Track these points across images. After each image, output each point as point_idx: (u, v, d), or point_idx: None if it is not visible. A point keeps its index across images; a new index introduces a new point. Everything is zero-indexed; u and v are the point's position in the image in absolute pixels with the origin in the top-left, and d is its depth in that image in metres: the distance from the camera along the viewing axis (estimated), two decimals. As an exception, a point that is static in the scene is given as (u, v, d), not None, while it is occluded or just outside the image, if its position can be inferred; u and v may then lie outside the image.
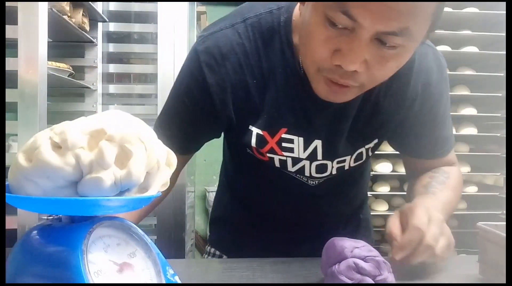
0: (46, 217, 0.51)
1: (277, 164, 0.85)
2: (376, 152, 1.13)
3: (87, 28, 1.80)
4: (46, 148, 0.42)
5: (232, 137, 0.89)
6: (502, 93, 2.13)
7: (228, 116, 0.81)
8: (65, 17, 1.55)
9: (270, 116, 0.80)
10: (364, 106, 0.81)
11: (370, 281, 0.62)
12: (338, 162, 0.85)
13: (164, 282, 0.49)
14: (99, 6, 1.91)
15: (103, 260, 0.44)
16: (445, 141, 0.92)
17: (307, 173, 0.86)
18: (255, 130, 0.81)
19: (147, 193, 0.47)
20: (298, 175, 0.87)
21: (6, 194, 0.44)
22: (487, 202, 2.24)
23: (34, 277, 0.43)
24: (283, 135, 0.81)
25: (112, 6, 2.05)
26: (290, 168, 0.85)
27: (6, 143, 1.49)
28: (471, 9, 2.17)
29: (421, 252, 0.68)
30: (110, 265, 0.45)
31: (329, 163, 0.85)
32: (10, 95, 1.20)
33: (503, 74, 2.10)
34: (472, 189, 2.23)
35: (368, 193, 2.15)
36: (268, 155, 0.83)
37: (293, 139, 0.81)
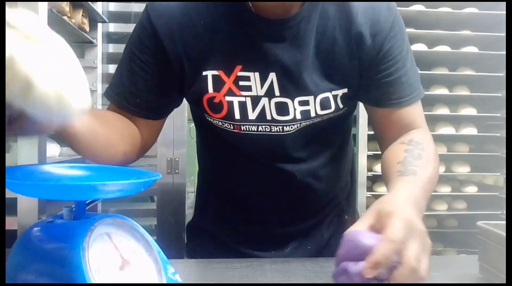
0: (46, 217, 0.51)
1: (236, 114, 0.82)
2: (375, 152, 1.10)
3: (87, 28, 1.80)
4: None
5: (190, 99, 0.88)
6: (502, 93, 2.14)
7: (179, 60, 0.81)
8: (65, 17, 1.55)
9: (224, 55, 0.80)
10: (320, 41, 0.81)
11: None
12: (300, 104, 0.82)
13: (164, 280, 0.49)
14: (99, 7, 1.91)
15: (104, 257, 0.44)
16: (406, 86, 0.85)
17: (268, 116, 0.83)
18: (210, 73, 0.81)
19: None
20: (260, 128, 0.84)
21: (6, 180, 0.44)
22: (487, 202, 2.24)
23: (35, 274, 0.43)
24: (239, 73, 0.81)
25: (112, 6, 2.05)
26: (250, 114, 0.82)
27: (6, 144, 1.49)
28: (471, 9, 2.17)
29: (403, 275, 0.57)
30: (111, 262, 0.45)
31: (289, 101, 0.82)
32: (10, 96, 1.20)
33: (503, 74, 2.10)
34: (472, 189, 2.23)
35: (368, 193, 2.15)
36: (227, 98, 0.81)
37: (249, 76, 0.81)
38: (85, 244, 0.42)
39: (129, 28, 2.10)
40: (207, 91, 0.82)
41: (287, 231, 0.96)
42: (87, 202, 0.49)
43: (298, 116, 0.83)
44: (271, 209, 0.95)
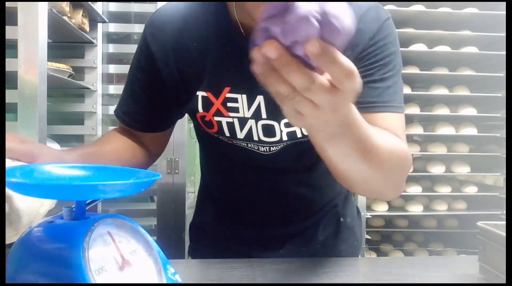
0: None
1: (226, 131, 0.85)
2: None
3: (87, 28, 1.80)
4: None
5: (188, 114, 0.92)
6: (502, 93, 2.14)
7: (174, 81, 0.84)
8: (65, 17, 1.55)
9: (213, 77, 0.82)
10: None
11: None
12: (286, 126, 0.83)
13: (164, 280, 0.49)
14: (99, 7, 1.91)
15: (104, 257, 0.44)
16: (381, 92, 0.78)
17: (255, 137, 0.84)
18: (200, 94, 0.83)
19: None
20: (249, 145, 0.86)
21: (6, 180, 0.44)
22: (487, 202, 2.24)
23: (35, 274, 0.43)
24: (227, 95, 0.82)
25: (112, 6, 2.05)
26: (239, 133, 0.84)
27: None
28: (471, 9, 2.17)
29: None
30: (111, 262, 0.45)
31: (275, 124, 0.83)
32: (10, 96, 1.20)
33: (503, 74, 2.10)
34: (472, 189, 2.23)
35: (368, 193, 2.15)
36: (216, 119, 0.84)
37: (237, 98, 0.82)
38: (85, 244, 0.42)
39: (129, 28, 2.11)
40: (198, 111, 0.85)
41: (281, 233, 0.97)
42: (87, 202, 0.49)
43: (285, 138, 0.84)
44: (265, 213, 0.96)
